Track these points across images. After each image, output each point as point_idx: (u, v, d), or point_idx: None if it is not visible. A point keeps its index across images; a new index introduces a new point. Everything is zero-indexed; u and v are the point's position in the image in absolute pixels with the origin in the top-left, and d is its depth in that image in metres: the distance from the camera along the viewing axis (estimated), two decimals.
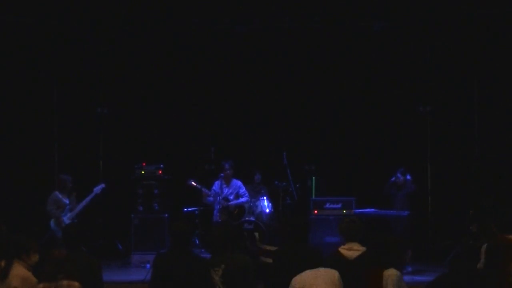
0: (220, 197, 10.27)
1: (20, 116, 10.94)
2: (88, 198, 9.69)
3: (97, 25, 10.86)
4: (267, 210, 10.45)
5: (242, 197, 10.43)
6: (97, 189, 9.80)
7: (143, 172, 10.55)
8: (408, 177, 10.08)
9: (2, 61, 10.75)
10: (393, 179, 10.15)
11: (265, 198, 10.54)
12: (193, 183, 10.38)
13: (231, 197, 10.39)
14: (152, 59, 11.49)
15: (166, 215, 10.42)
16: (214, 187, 10.47)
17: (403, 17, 10.83)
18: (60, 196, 9.51)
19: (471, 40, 10.76)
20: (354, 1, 10.71)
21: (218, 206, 10.34)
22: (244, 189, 10.49)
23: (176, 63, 11.56)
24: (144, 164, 10.60)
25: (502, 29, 10.65)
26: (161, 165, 10.60)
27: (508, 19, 10.51)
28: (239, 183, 10.50)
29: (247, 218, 10.17)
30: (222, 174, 10.34)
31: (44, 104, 11.08)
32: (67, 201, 9.55)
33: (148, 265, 9.58)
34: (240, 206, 10.34)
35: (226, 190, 10.39)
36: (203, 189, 10.41)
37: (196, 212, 10.74)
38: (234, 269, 5.32)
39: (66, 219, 9.46)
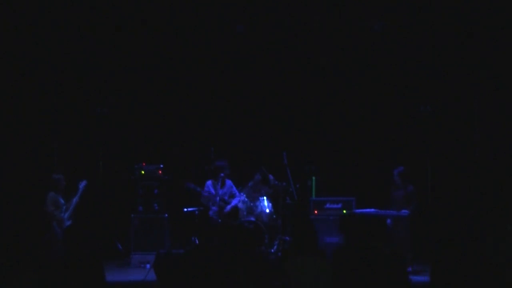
0: (217, 198, 10.20)
1: (20, 116, 10.93)
2: (76, 196, 9.66)
3: (97, 24, 10.84)
4: (267, 210, 10.43)
5: (234, 197, 10.39)
6: (81, 186, 9.75)
7: (143, 172, 10.56)
8: (410, 188, 9.90)
9: (2, 61, 10.74)
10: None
11: (265, 198, 10.52)
12: (190, 186, 10.34)
13: (226, 198, 10.34)
14: (152, 59, 11.48)
15: (166, 215, 10.42)
16: (207, 188, 10.35)
17: (403, 17, 10.82)
18: (55, 196, 9.49)
19: (471, 40, 10.75)
20: (354, 1, 10.70)
21: (214, 207, 10.25)
22: (235, 188, 10.43)
23: (176, 63, 11.55)
24: (144, 164, 10.61)
25: (502, 29, 10.64)
26: (161, 165, 10.60)
27: (508, 19, 10.50)
28: (230, 182, 10.43)
29: (247, 218, 10.15)
30: (222, 174, 10.29)
31: (43, 104, 11.07)
32: (62, 201, 9.53)
33: (148, 265, 9.59)
34: (234, 208, 10.31)
35: (221, 191, 10.26)
36: (201, 191, 10.37)
37: (196, 212, 10.72)
38: None
39: (65, 219, 9.46)
